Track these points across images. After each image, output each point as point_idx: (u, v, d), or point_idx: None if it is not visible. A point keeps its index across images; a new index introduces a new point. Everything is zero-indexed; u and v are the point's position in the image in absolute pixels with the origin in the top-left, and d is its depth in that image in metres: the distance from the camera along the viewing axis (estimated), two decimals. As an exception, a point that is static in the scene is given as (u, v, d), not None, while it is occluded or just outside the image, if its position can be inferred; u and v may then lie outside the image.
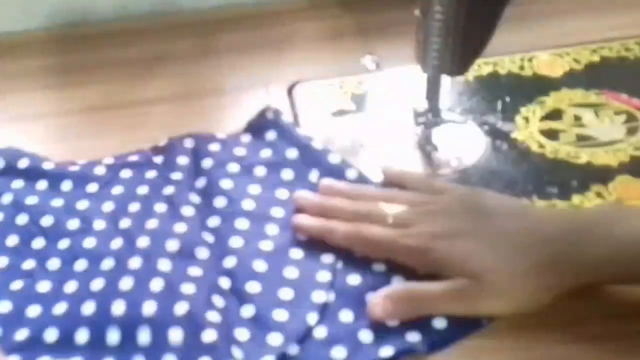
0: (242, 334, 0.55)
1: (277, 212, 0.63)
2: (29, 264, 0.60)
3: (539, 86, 0.74)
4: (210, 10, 0.88)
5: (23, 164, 0.68)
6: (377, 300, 0.56)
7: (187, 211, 0.62)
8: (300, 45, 0.82)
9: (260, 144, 0.69)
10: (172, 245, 0.59)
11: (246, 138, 0.70)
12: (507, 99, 0.73)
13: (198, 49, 0.83)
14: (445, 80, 0.68)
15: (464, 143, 0.69)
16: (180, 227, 0.61)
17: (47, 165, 0.68)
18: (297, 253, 0.60)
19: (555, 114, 0.71)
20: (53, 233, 0.62)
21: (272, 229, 0.62)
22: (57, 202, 0.65)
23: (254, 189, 0.65)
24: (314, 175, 0.66)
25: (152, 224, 0.61)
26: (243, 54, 0.81)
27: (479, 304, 0.55)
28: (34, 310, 0.57)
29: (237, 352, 0.53)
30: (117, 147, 0.71)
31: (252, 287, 0.57)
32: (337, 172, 0.66)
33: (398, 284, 0.57)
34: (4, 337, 0.55)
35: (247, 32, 0.84)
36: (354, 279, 0.58)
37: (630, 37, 0.78)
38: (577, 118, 0.70)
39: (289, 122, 0.71)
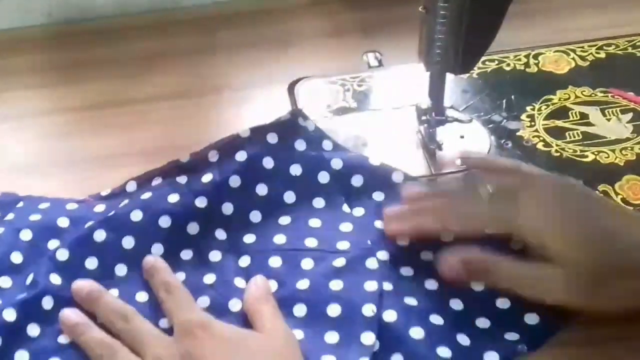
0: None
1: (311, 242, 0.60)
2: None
3: (545, 83, 0.73)
4: (211, 6, 0.87)
5: (43, 206, 0.64)
6: (452, 262, 0.55)
7: (215, 257, 0.60)
8: (302, 43, 0.81)
9: (288, 157, 0.64)
10: (202, 302, 0.57)
11: (273, 140, 0.64)
12: (512, 96, 0.72)
13: (198, 46, 0.82)
14: (449, 77, 0.67)
15: (469, 142, 0.68)
16: (209, 279, 0.59)
17: (71, 206, 0.64)
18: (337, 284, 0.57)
19: (561, 112, 0.70)
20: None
21: (307, 264, 0.59)
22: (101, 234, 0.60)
23: (284, 220, 0.62)
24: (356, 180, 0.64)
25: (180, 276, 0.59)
26: (244, 51, 0.80)
27: (561, 295, 0.53)
28: None
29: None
30: (117, 145, 0.71)
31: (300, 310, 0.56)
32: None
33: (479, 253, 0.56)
34: None
35: (248, 29, 0.83)
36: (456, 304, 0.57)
37: (637, 34, 0.77)
38: (583, 116, 0.70)
39: (317, 130, 0.67)
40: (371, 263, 0.57)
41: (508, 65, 0.75)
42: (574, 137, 0.68)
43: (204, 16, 0.85)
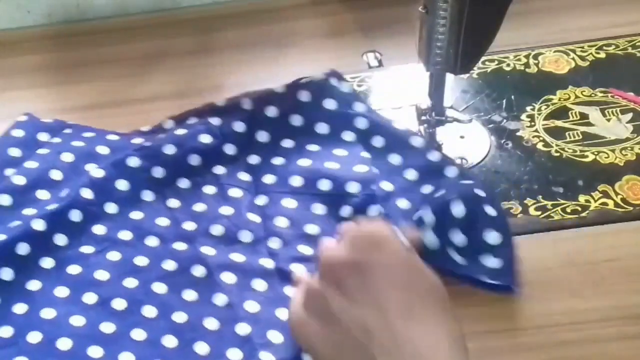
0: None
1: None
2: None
3: (545, 83, 0.73)
4: (210, 6, 0.87)
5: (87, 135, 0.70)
6: None
7: (235, 193, 0.65)
8: (302, 42, 0.81)
9: (317, 116, 0.68)
10: (217, 229, 0.62)
11: (305, 98, 0.69)
12: (512, 96, 0.72)
13: (197, 46, 0.82)
14: (449, 77, 0.67)
15: (469, 142, 0.68)
16: (226, 210, 0.63)
17: (112, 137, 0.70)
18: None
19: (561, 112, 0.70)
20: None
21: (317, 209, 0.63)
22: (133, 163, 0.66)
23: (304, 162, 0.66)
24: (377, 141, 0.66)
25: (199, 207, 0.64)
26: (243, 51, 0.80)
27: None
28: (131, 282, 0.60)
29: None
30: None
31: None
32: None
33: None
34: None
35: (247, 29, 0.83)
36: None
37: (637, 34, 0.77)
38: (583, 116, 0.70)
39: (351, 91, 0.70)
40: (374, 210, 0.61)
41: (508, 65, 0.75)
42: (574, 137, 0.68)
43: (203, 16, 0.85)
